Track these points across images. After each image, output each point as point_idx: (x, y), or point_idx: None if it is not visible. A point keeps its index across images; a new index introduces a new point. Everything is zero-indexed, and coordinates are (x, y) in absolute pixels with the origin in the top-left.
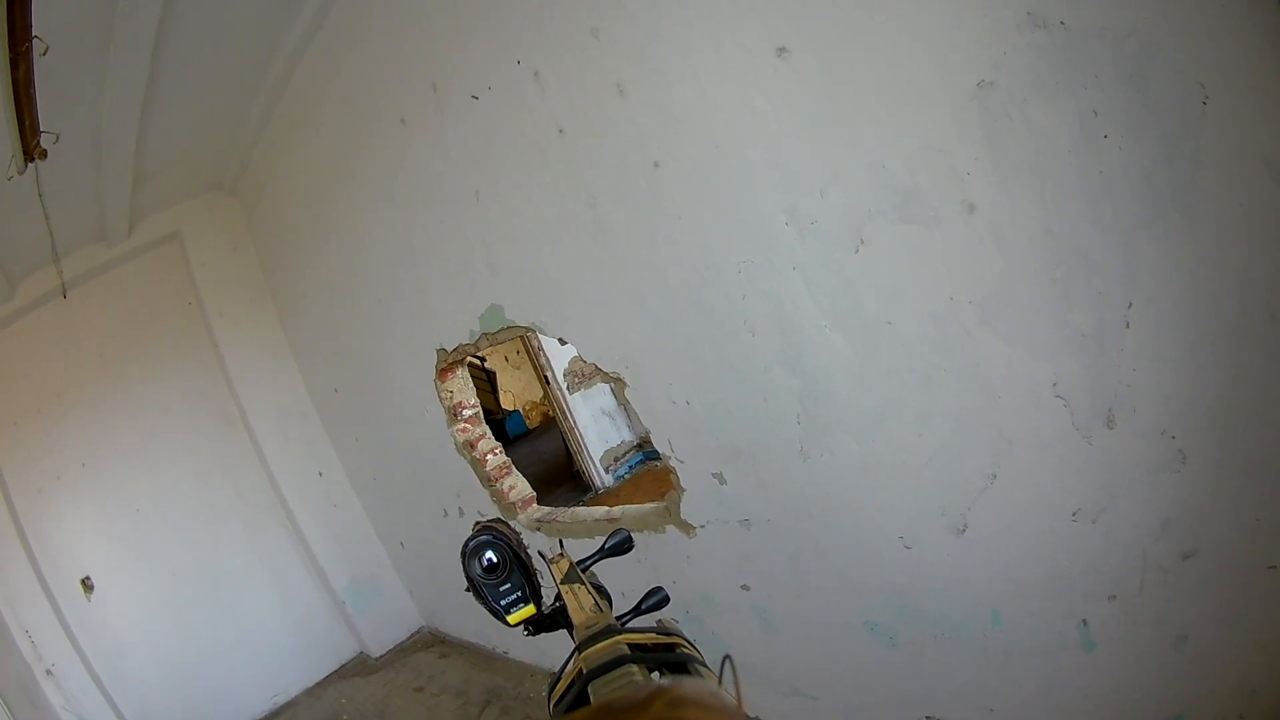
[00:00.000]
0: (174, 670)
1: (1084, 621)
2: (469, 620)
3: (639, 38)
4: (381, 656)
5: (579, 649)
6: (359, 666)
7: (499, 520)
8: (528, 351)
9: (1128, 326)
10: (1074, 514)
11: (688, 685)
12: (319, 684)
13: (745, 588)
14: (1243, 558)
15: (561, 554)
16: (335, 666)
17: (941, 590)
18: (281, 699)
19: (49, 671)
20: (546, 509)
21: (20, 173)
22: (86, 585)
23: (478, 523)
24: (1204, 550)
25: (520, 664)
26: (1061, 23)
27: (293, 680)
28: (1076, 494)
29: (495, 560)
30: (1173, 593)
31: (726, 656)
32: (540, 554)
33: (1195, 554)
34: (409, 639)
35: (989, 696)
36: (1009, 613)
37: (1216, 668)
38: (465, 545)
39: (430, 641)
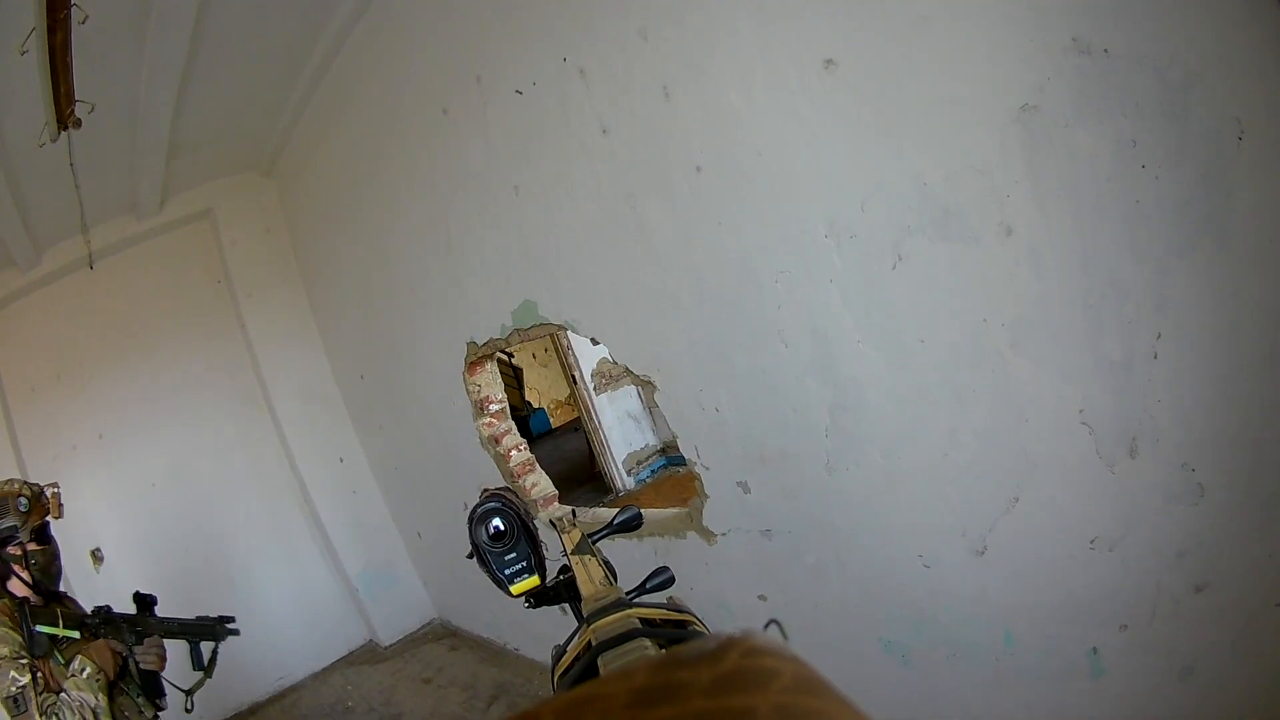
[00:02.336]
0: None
1: (1095, 649)
2: (482, 614)
3: (687, 41)
4: (391, 645)
5: (588, 621)
6: (367, 654)
7: (507, 489)
8: (556, 350)
9: (1156, 357)
10: (1092, 541)
11: (760, 635)
12: (326, 669)
13: (762, 598)
14: (1253, 593)
15: (574, 524)
16: (344, 653)
17: (956, 610)
18: (287, 681)
19: None
20: (568, 508)
21: (53, 140)
22: (96, 556)
23: (485, 489)
24: (1216, 583)
25: (531, 661)
26: (1105, 50)
27: (299, 664)
28: (1096, 521)
29: (503, 528)
30: (1183, 624)
31: (774, 621)
32: (551, 523)
33: (1207, 587)
34: (420, 630)
35: (997, 718)
36: (1022, 636)
37: (1219, 702)
38: (472, 511)
39: (441, 633)
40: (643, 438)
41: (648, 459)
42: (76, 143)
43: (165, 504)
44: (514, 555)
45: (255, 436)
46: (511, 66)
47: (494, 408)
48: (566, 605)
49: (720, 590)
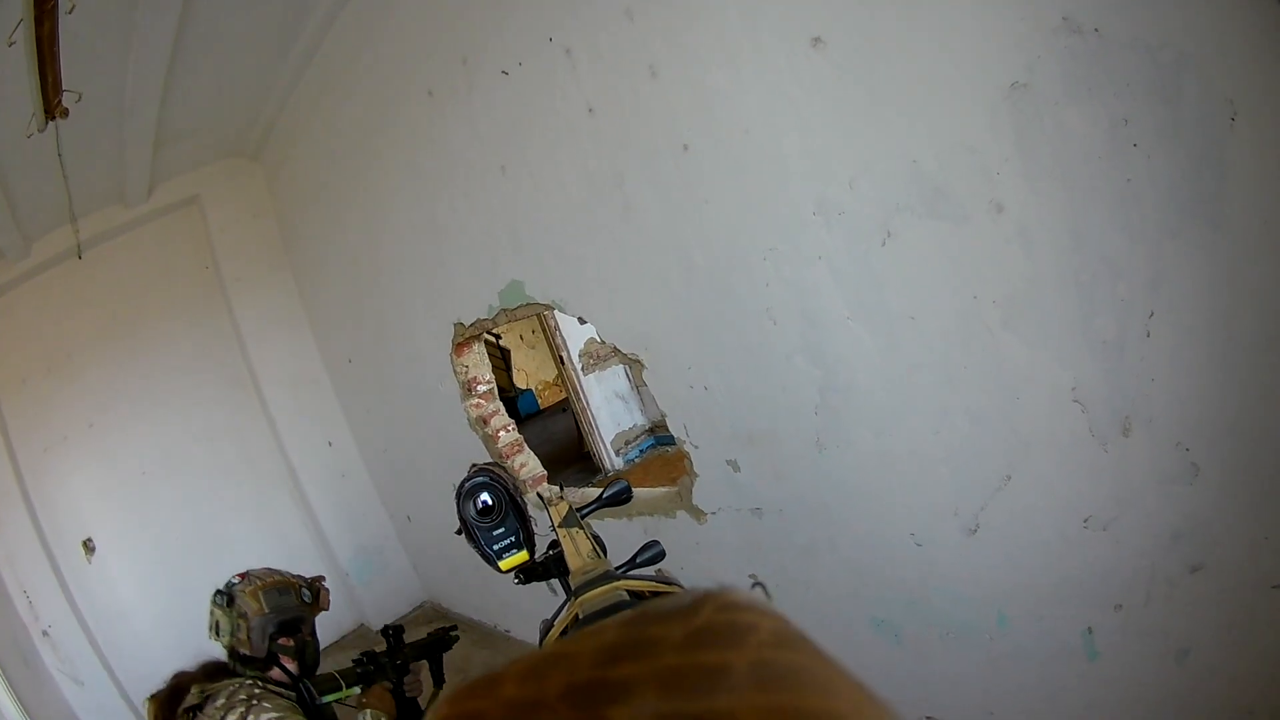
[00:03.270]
0: (172, 635)
1: (1089, 629)
2: (472, 597)
3: (673, 20)
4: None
5: (575, 594)
6: (359, 639)
7: (495, 464)
8: (544, 331)
9: (1148, 336)
10: (1085, 520)
11: (738, 591)
12: None
13: (753, 577)
14: (1248, 575)
15: (561, 497)
16: (335, 638)
17: (949, 590)
18: None
19: (45, 632)
20: (556, 488)
21: (40, 130)
22: (88, 547)
23: (474, 465)
24: (1211, 565)
25: (522, 643)
26: (1096, 29)
27: None
28: (1089, 500)
29: (490, 503)
30: (1178, 606)
31: (758, 582)
32: (539, 495)
33: (1202, 568)
34: (411, 613)
35: (990, 699)
36: (1015, 616)
37: (1215, 685)
38: (460, 486)
39: (432, 616)
40: (631, 418)
41: (636, 439)
42: (64, 132)
43: (156, 492)
44: (502, 530)
45: (244, 422)
46: (497, 47)
47: (482, 388)
48: (556, 585)
49: (711, 570)
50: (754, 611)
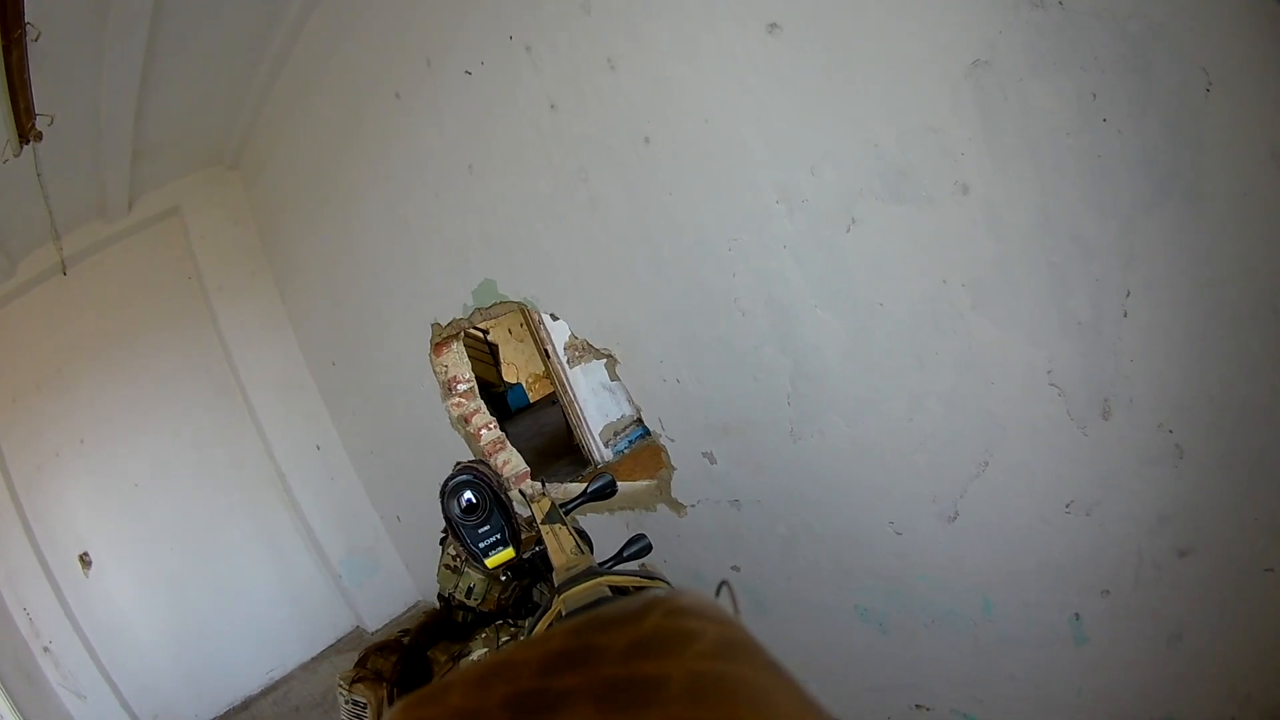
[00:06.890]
0: (171, 646)
1: (1076, 615)
2: None
3: (630, 12)
4: (377, 631)
5: (558, 591)
6: (355, 641)
7: (479, 461)
8: (529, 324)
9: (1125, 315)
10: (1068, 505)
11: (686, 595)
12: (315, 658)
13: (735, 568)
14: (1240, 558)
15: (543, 493)
16: (331, 640)
17: (931, 578)
18: (278, 673)
19: (46, 649)
20: (538, 484)
21: (16, 155)
22: (85, 561)
23: (458, 463)
24: (1200, 548)
25: None
26: (1059, 1)
27: (289, 655)
28: (1071, 485)
29: (474, 500)
30: (1167, 590)
31: (724, 583)
32: (521, 492)
33: (1191, 552)
34: (405, 613)
35: (978, 686)
36: (1001, 603)
37: (1210, 669)
38: (444, 485)
39: None
40: (619, 408)
41: (625, 429)
42: (41, 153)
43: (149, 503)
44: (488, 528)
45: (233, 429)
46: (459, 47)
47: (462, 387)
48: (546, 578)
49: (693, 562)
50: (701, 618)
